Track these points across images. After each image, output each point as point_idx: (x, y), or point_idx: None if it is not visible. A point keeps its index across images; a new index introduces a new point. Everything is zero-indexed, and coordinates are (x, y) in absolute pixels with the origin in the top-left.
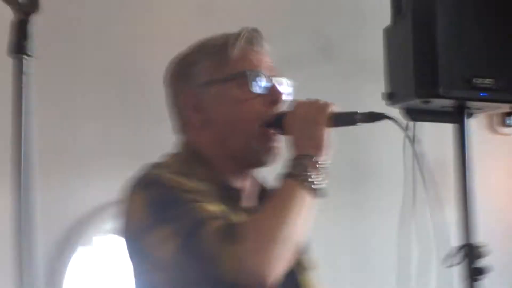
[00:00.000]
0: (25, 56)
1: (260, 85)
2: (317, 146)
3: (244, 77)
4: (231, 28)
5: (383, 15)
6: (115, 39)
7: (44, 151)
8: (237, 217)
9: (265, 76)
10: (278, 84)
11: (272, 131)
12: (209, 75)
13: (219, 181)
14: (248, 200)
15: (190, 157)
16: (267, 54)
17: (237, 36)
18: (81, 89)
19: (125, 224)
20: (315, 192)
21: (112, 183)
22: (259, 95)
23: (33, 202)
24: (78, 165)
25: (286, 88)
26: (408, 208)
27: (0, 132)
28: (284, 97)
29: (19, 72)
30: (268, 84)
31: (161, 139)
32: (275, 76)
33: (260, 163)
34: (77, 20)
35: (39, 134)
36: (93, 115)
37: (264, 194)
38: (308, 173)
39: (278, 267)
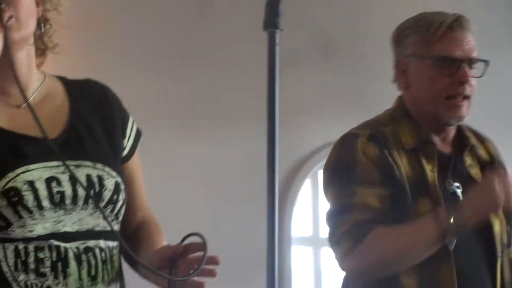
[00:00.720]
0: (277, 30)
1: (450, 68)
2: (477, 217)
3: (438, 60)
4: None
5: None
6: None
7: (285, 101)
8: (426, 167)
9: (457, 60)
10: (469, 65)
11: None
12: (414, 49)
13: (418, 133)
14: (444, 146)
15: (399, 111)
16: (468, 37)
17: (442, 20)
18: (312, 51)
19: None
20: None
21: (337, 127)
22: (448, 75)
23: (277, 140)
24: (310, 112)
25: (478, 69)
26: None
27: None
28: (470, 79)
29: (272, 44)
30: (459, 67)
31: (382, 93)
32: (470, 58)
33: (445, 123)
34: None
35: (283, 91)
36: (320, 68)
37: (461, 141)
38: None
39: (374, 275)
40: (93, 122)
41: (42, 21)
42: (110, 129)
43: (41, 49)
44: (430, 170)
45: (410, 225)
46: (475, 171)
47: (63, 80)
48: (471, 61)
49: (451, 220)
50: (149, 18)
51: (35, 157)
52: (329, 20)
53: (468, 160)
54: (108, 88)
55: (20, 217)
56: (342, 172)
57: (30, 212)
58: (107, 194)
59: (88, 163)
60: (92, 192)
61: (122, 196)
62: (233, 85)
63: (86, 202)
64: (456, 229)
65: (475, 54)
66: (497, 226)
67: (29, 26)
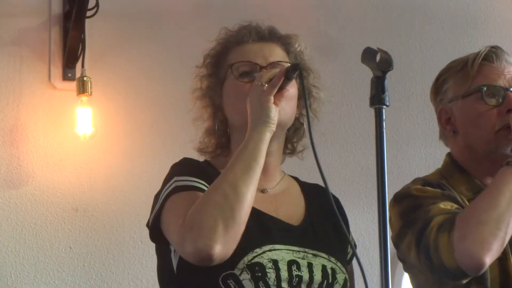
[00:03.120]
0: (383, 107)
1: (495, 98)
2: None
3: (479, 92)
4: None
5: None
6: None
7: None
8: None
9: (502, 88)
10: None
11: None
12: (455, 91)
13: (474, 183)
14: None
15: (450, 166)
16: (506, 67)
17: (475, 54)
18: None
19: (391, 236)
20: None
21: None
22: (494, 106)
23: (387, 212)
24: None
25: None
26: None
27: (363, 163)
28: None
29: (380, 120)
30: (504, 95)
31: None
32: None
33: (503, 156)
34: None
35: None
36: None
37: None
38: None
39: (491, 248)
40: (326, 222)
41: (297, 124)
42: (339, 233)
43: (289, 150)
44: None
45: (487, 187)
46: None
47: (297, 180)
48: None
49: None
50: None
51: (280, 238)
52: None
53: None
54: (337, 198)
55: None
56: (410, 210)
57: None
58: (337, 287)
59: (324, 255)
60: (325, 283)
61: None
62: (340, 160)
63: None
64: None
65: None
66: None
67: (288, 119)
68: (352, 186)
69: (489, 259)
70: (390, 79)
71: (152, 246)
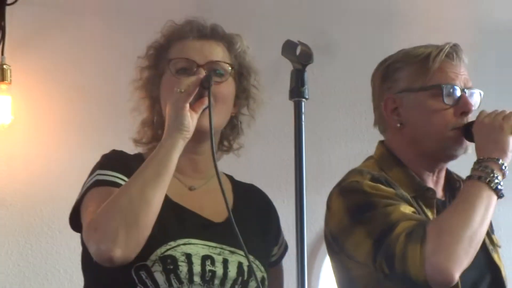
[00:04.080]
0: (303, 99)
1: (452, 97)
2: (501, 150)
3: (439, 89)
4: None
5: None
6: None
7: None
8: (428, 214)
9: (459, 89)
10: (469, 96)
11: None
12: (409, 83)
13: (413, 180)
14: (438, 192)
15: (386, 157)
16: (464, 67)
17: (438, 49)
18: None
19: (328, 226)
20: (498, 192)
21: None
22: (451, 106)
23: (304, 205)
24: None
25: (476, 99)
26: None
27: (285, 157)
28: (473, 108)
29: (299, 112)
30: (460, 96)
31: None
32: (468, 88)
33: (450, 156)
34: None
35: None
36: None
37: (452, 185)
38: (493, 175)
39: (462, 264)
40: (252, 221)
41: (234, 122)
42: (265, 232)
43: (226, 147)
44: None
45: (456, 199)
46: None
47: (231, 179)
48: (470, 92)
49: (484, 167)
50: None
51: (198, 233)
52: None
53: None
54: (269, 199)
55: (170, 285)
56: (362, 207)
57: (181, 283)
58: (252, 285)
59: (242, 252)
60: (240, 279)
61: None
62: (258, 151)
63: (233, 286)
64: (496, 167)
65: (470, 84)
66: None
67: (221, 122)
68: (272, 179)
69: (458, 274)
70: (312, 73)
71: (70, 236)
